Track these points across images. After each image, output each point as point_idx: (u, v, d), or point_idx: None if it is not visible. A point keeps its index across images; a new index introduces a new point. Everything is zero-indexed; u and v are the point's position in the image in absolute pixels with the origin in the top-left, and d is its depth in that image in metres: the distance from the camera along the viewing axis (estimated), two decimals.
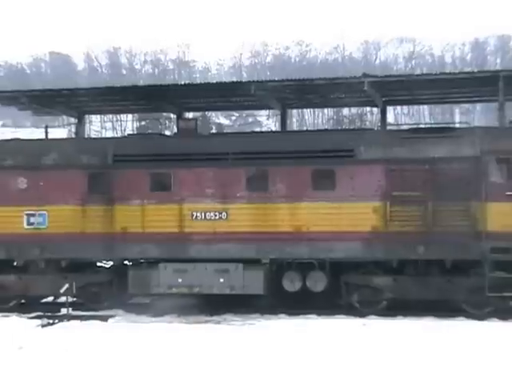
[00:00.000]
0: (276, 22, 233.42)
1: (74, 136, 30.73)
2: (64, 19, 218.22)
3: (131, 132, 35.28)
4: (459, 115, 57.54)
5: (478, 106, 45.11)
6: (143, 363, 17.03)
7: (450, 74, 32.72)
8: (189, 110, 30.77)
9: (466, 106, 52.40)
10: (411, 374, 15.25)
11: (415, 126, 31.41)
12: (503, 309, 24.10)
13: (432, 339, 19.35)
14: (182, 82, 51.22)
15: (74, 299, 26.97)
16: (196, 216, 25.83)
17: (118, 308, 26.14)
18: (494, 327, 21.87)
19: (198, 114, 31.04)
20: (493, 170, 24.27)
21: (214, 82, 38.11)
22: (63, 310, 25.98)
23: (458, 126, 32.12)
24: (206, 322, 23.54)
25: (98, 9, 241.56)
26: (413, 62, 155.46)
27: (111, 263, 27.67)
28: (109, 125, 64.88)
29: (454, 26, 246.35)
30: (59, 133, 33.08)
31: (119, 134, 40.49)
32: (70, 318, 24.71)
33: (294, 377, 15.37)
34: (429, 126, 31.38)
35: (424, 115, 77.35)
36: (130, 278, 26.34)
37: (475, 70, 34.21)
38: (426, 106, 65.97)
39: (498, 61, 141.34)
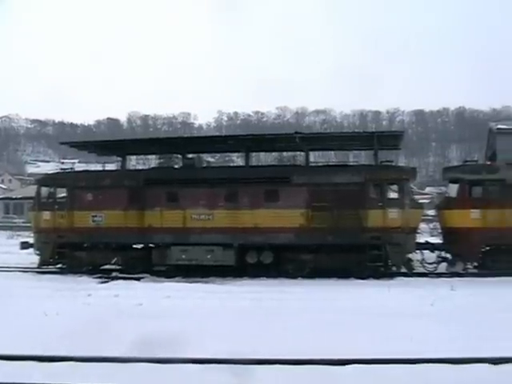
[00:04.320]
0: (243, 99, 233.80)
1: (120, 168, 30.97)
2: (114, 96, 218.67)
3: (154, 166, 35.64)
4: (352, 157, 58.44)
5: (363, 153, 46.09)
6: (161, 299, 18.21)
7: (346, 133, 33.46)
8: (189, 153, 31.01)
9: (356, 152, 53.33)
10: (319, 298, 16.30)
11: (326, 164, 32.08)
12: (377, 273, 24.72)
13: (332, 289, 20.50)
14: (186, 136, 51.39)
15: (120, 267, 27.24)
16: (194, 217, 26.05)
17: (146, 273, 26.28)
18: (370, 284, 22.88)
19: (195, 154, 31.31)
20: (371, 191, 25.02)
21: (205, 135, 38.49)
22: (113, 273, 26.50)
23: (351, 164, 32.67)
24: (199, 281, 23.71)
25: (135, 89, 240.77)
26: (325, 125, 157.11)
27: (142, 245, 27.72)
28: (141, 161, 65.15)
29: (348, 104, 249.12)
30: (112, 166, 33.30)
31: (147, 167, 40.93)
32: (117, 278, 25.30)
33: (246, 301, 16.91)
34: (334, 163, 31.93)
35: (332, 157, 78.45)
36: (153, 254, 26.76)
37: (361, 131, 34.69)
38: (332, 152, 66.79)
39: (374, 126, 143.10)
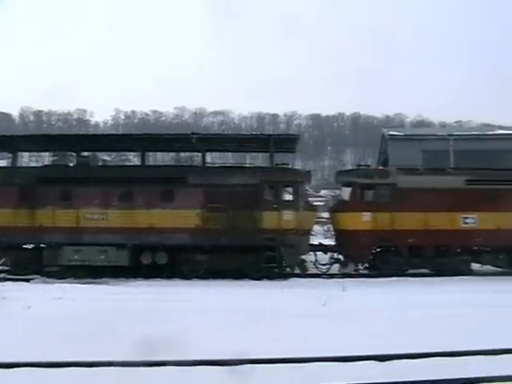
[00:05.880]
0: (140, 97, 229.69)
1: (10, 165, 29.91)
2: (6, 89, 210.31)
3: (48, 163, 34.54)
4: (249, 159, 58.68)
5: (260, 155, 46.24)
6: (51, 301, 17.77)
7: (243, 135, 33.65)
8: (84, 151, 30.28)
9: (254, 154, 53.44)
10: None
11: (223, 165, 32.16)
12: (271, 274, 25.15)
13: (227, 289, 20.61)
14: (80, 133, 50.19)
15: (9, 268, 26.39)
16: (87, 217, 25.64)
17: (37, 274, 25.52)
18: (264, 284, 23.33)
19: (90, 153, 30.57)
20: (266, 192, 25.43)
21: (101, 134, 37.62)
22: (1, 275, 25.57)
23: (247, 165, 32.85)
24: (92, 282, 23.31)
25: (28, 84, 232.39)
26: (223, 126, 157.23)
27: (33, 245, 26.85)
28: (33, 158, 63.05)
29: (247, 106, 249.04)
30: (2, 163, 32.20)
31: (40, 165, 39.24)
32: (5, 279, 24.33)
33: (140, 302, 16.73)
34: (231, 165, 32.13)
35: (229, 158, 78.35)
36: (44, 255, 26.03)
37: (258, 133, 34.76)
38: (230, 154, 66.53)
39: (271, 128, 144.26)
